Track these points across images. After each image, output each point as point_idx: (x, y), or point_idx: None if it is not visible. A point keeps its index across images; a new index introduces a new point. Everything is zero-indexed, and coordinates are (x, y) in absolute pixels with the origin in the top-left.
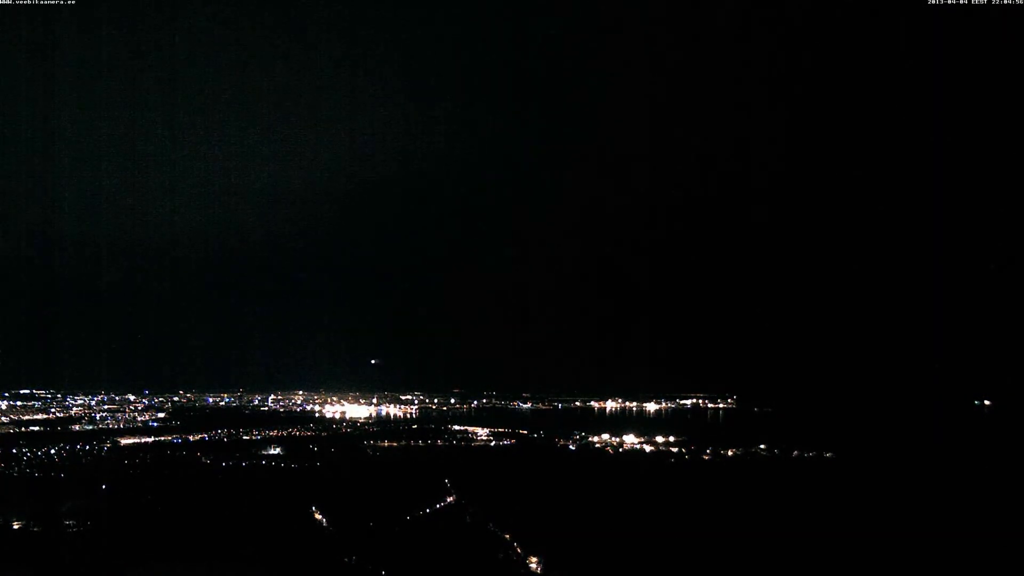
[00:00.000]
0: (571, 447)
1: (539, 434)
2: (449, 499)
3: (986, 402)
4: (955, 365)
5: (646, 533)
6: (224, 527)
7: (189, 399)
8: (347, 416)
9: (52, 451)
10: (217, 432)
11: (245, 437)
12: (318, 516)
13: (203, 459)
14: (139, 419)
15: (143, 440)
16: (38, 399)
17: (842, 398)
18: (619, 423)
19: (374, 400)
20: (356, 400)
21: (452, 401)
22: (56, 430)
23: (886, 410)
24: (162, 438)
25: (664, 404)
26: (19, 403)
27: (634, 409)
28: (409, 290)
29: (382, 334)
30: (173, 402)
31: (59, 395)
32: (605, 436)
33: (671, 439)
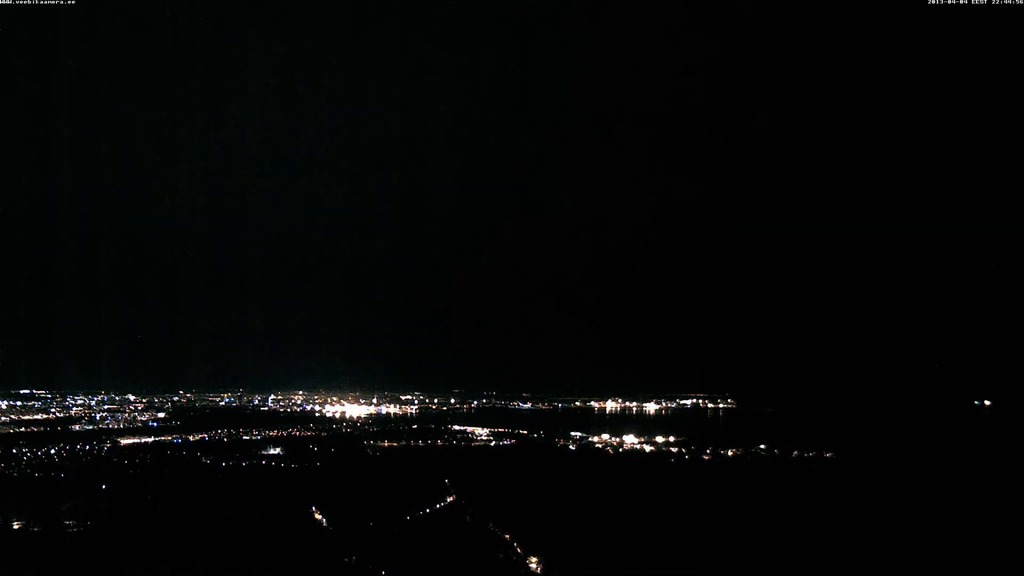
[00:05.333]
0: (571, 447)
1: (539, 434)
2: (449, 499)
3: (986, 402)
4: (955, 365)
5: (646, 533)
6: (224, 527)
7: (189, 399)
8: (347, 416)
9: (52, 451)
10: (217, 432)
11: (245, 437)
12: (318, 516)
13: (203, 459)
14: (139, 419)
15: (143, 440)
16: (38, 399)
17: (842, 398)
18: (619, 423)
19: (374, 400)
20: (356, 400)
21: (452, 401)
22: (56, 430)
23: (886, 410)
24: (162, 438)
25: (664, 404)
26: (19, 403)
27: (634, 409)
28: (409, 290)
29: (382, 334)
30: (173, 402)
31: (59, 395)
32: (605, 436)
33: (671, 439)
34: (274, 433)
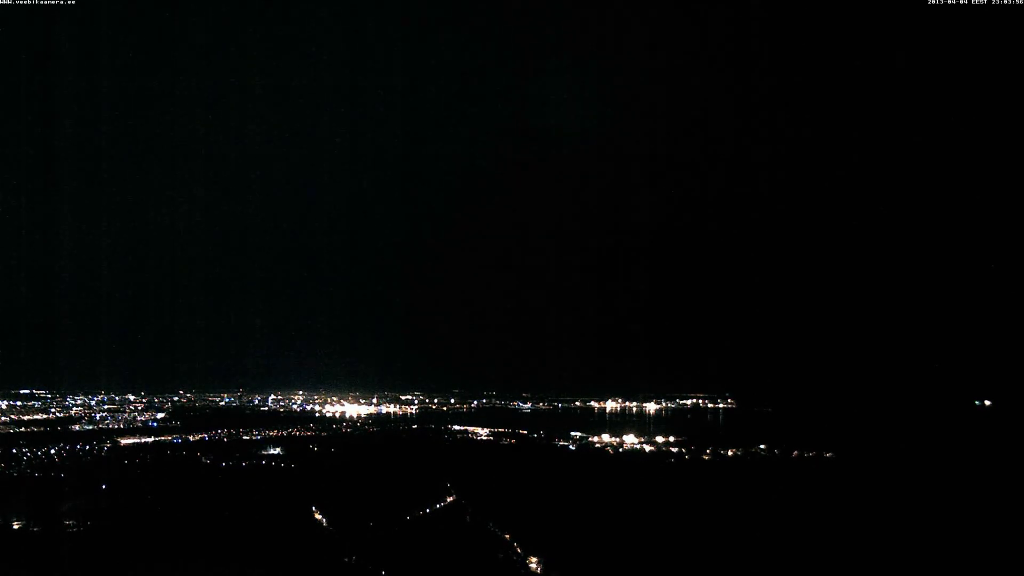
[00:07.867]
0: (571, 447)
1: (539, 434)
2: (449, 499)
3: (986, 402)
4: (955, 365)
5: (646, 533)
6: (224, 527)
7: (189, 399)
8: (347, 416)
9: (52, 451)
10: (217, 432)
11: (245, 437)
12: (318, 516)
13: (203, 459)
14: (139, 419)
15: (143, 440)
16: (38, 399)
17: (841, 398)
18: (619, 423)
19: (374, 400)
20: (356, 400)
21: (452, 401)
22: (56, 430)
23: (886, 410)
24: (162, 438)
25: (664, 404)
26: (19, 403)
27: (634, 409)
28: (409, 290)
29: (382, 334)
30: (173, 402)
31: (59, 395)
32: (605, 436)
33: (671, 439)
34: (274, 433)
